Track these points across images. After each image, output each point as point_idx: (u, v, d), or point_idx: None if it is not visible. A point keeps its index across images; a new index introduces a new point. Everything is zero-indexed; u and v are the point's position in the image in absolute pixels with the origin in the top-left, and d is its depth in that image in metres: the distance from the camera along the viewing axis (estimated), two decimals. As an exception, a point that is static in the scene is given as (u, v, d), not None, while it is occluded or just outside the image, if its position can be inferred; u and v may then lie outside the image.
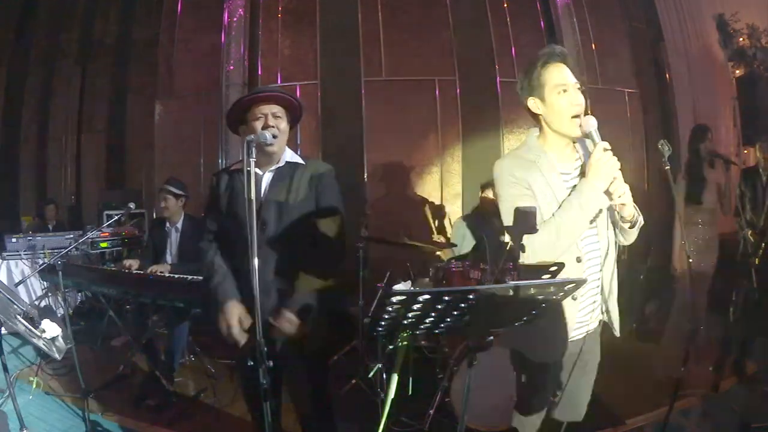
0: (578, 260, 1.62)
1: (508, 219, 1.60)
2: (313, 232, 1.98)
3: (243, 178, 1.86)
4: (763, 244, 3.25)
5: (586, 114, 1.61)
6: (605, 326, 1.80)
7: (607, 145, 1.54)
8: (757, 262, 3.26)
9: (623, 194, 1.54)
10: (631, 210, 1.60)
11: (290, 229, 1.93)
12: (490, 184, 3.58)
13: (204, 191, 4.61)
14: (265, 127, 1.88)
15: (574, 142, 1.71)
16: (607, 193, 1.54)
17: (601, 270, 1.69)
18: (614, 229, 1.73)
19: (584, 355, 1.77)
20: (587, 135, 1.58)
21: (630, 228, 1.65)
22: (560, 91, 1.59)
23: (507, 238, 1.70)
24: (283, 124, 1.96)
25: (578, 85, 1.62)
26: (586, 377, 1.81)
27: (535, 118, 1.69)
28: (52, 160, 6.81)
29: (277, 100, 1.95)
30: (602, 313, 1.76)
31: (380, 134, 5.16)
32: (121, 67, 6.43)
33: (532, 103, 1.64)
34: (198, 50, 5.56)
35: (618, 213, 1.61)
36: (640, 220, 1.63)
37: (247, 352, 1.72)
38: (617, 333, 1.76)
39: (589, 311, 1.72)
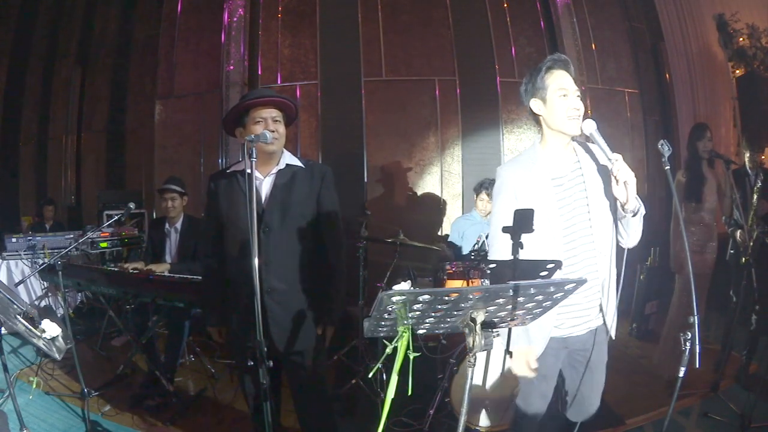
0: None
1: (496, 227, 1.70)
2: (315, 234, 1.99)
3: (242, 180, 1.85)
4: (751, 243, 3.27)
5: (585, 116, 1.65)
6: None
7: (618, 156, 1.54)
8: (744, 261, 3.28)
9: (628, 179, 1.52)
10: (633, 202, 1.58)
11: (294, 232, 1.94)
12: (483, 187, 3.57)
13: (204, 191, 4.60)
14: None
15: (574, 149, 1.74)
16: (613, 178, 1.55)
17: (597, 270, 1.70)
18: (615, 230, 1.73)
19: (586, 352, 1.77)
20: (588, 137, 1.61)
21: (632, 217, 1.62)
22: (561, 95, 1.65)
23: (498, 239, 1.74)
24: (282, 128, 1.97)
25: (578, 93, 1.68)
26: (591, 375, 1.79)
27: (537, 120, 1.75)
28: (52, 160, 6.80)
29: (275, 105, 1.95)
30: (600, 312, 1.76)
31: (380, 134, 5.17)
32: (121, 67, 6.42)
33: (534, 104, 1.71)
34: (198, 50, 5.56)
35: (619, 201, 1.59)
36: (642, 210, 1.63)
37: (247, 351, 1.73)
38: (612, 335, 1.77)
39: (589, 308, 1.71)
